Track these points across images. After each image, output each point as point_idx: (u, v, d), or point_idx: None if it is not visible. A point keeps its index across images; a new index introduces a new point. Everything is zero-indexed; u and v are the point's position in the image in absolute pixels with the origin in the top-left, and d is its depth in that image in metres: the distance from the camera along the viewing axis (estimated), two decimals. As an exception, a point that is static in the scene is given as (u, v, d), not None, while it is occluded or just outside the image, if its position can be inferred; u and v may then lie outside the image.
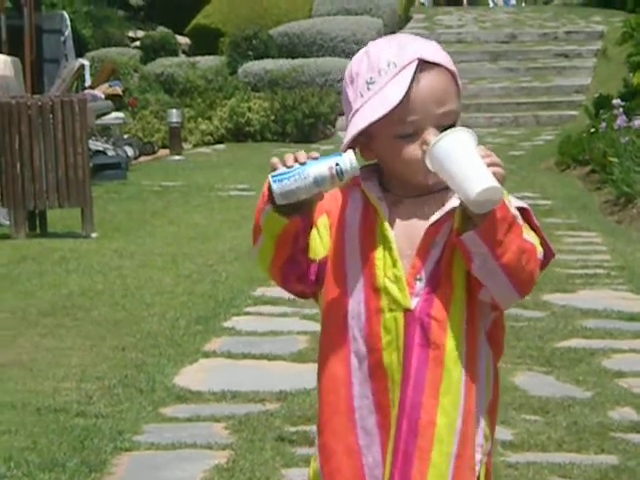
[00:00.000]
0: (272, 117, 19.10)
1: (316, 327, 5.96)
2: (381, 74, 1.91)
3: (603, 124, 14.70)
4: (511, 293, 1.92)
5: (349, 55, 21.35)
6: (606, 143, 13.38)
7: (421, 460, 1.91)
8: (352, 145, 1.93)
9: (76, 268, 7.74)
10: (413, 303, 1.93)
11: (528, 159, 16.55)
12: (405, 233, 1.95)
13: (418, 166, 1.90)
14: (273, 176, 1.86)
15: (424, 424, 1.91)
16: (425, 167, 1.88)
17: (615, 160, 12.16)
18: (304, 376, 4.98)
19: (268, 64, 20.91)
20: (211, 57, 21.70)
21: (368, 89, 1.92)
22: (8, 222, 9.51)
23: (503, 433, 4.16)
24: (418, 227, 1.95)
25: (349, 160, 1.85)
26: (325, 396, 1.98)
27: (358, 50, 1.96)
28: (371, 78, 1.91)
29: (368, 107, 1.91)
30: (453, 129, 1.87)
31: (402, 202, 1.96)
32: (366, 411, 1.94)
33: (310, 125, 19.30)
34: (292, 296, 6.65)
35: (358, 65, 1.95)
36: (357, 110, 1.93)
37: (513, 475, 3.83)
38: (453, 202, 1.91)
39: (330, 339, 1.99)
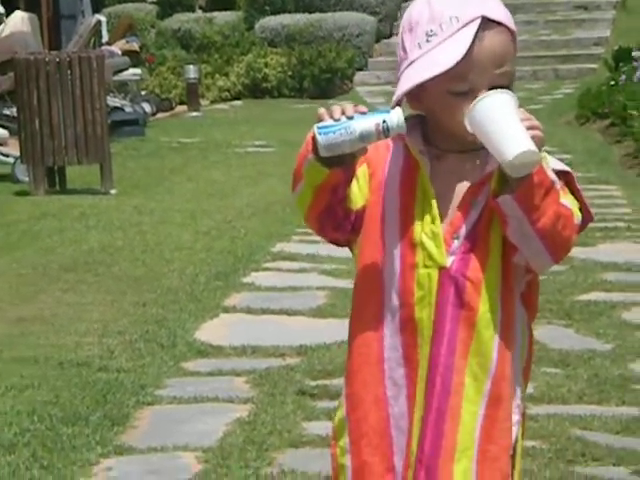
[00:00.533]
0: (289, 73, 19.02)
1: (335, 282, 5.97)
2: (442, 28, 1.87)
3: (623, 77, 14.60)
4: (545, 258, 1.91)
5: (367, 9, 21.23)
6: (626, 96, 13.28)
7: (452, 417, 1.92)
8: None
9: (96, 224, 7.77)
10: (449, 261, 1.92)
11: (547, 113, 16.44)
12: (445, 189, 1.94)
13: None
14: (319, 127, 1.83)
15: (455, 384, 1.92)
16: None
17: (635, 112, 12.07)
18: (323, 331, 5.00)
19: (285, 19, 20.79)
20: (228, 12, 21.58)
21: (427, 41, 1.88)
22: (27, 179, 9.53)
23: (523, 386, 4.16)
24: (459, 184, 1.93)
25: (397, 118, 1.82)
26: (356, 346, 1.99)
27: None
28: (432, 30, 1.88)
29: (426, 61, 1.88)
30: (493, 91, 1.84)
31: (444, 157, 1.94)
32: (395, 363, 1.95)
33: (327, 80, 19.22)
34: (311, 252, 6.64)
35: (419, 14, 1.91)
36: (413, 61, 1.90)
37: (534, 427, 3.84)
38: (495, 162, 1.89)
39: (363, 290, 1.99)
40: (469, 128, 1.85)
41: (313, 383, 4.34)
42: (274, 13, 21.09)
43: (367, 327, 1.98)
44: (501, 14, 1.91)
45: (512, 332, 1.96)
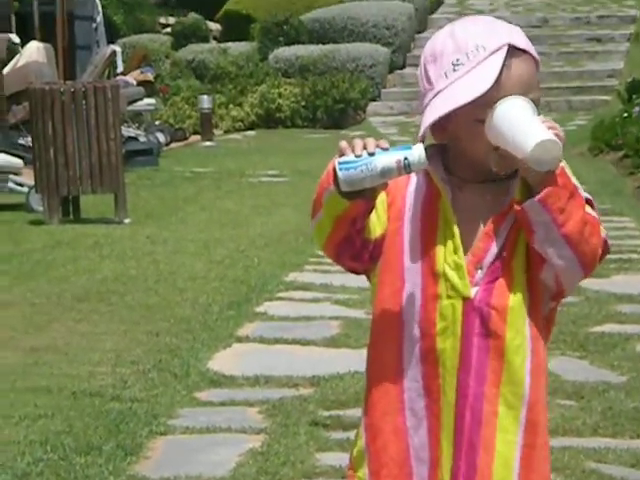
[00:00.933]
0: (302, 103, 19.09)
1: (348, 312, 5.97)
2: (469, 57, 1.87)
3: (636, 108, 14.61)
4: (575, 268, 1.90)
5: (380, 40, 21.31)
6: (639, 127, 13.29)
7: (486, 449, 1.90)
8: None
9: (109, 254, 7.78)
10: (472, 292, 1.91)
11: (560, 144, 16.46)
12: (467, 219, 1.93)
13: (495, 159, 1.88)
14: (340, 163, 1.82)
15: (487, 414, 1.90)
16: (496, 156, 1.87)
17: (649, 145, 12.07)
18: (337, 361, 4.99)
19: (299, 50, 20.88)
20: (242, 43, 21.70)
21: (454, 70, 1.88)
22: (42, 208, 9.57)
23: (537, 418, 4.14)
24: (481, 214, 1.93)
25: (418, 154, 1.81)
26: (375, 377, 1.98)
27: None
28: (458, 60, 1.88)
29: (454, 90, 1.87)
30: (510, 96, 1.86)
31: (466, 186, 1.94)
32: (415, 394, 1.94)
33: (340, 111, 19.27)
34: (324, 281, 6.60)
35: (442, 45, 1.91)
36: (440, 91, 1.89)
37: (548, 460, 3.82)
38: (515, 192, 1.89)
39: (382, 320, 1.98)
40: (490, 137, 1.86)
41: (326, 413, 4.32)
42: (288, 44, 21.19)
43: (386, 357, 1.97)
44: (526, 43, 1.92)
45: (542, 357, 1.95)
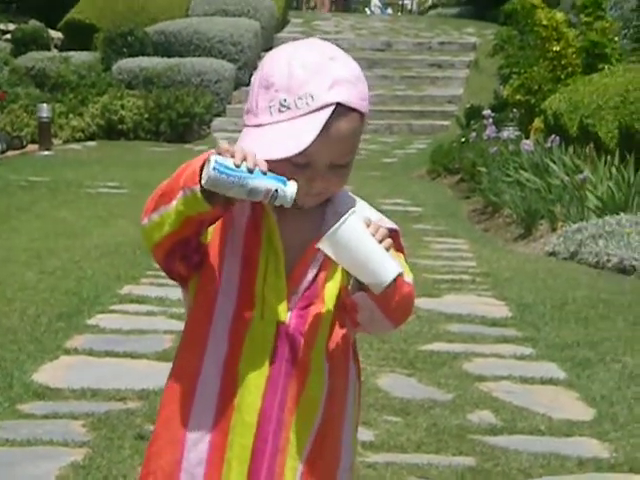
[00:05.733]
0: (146, 115, 18.91)
1: (182, 327, 5.89)
2: (297, 104, 1.84)
3: (473, 134, 14.99)
4: (389, 329, 1.95)
5: (225, 56, 21.31)
6: (475, 153, 13.63)
7: (279, 476, 1.89)
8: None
9: (-64, 261, 7.53)
10: (287, 317, 1.90)
11: (401, 167, 16.74)
12: (286, 243, 1.92)
13: (305, 193, 1.86)
14: (217, 162, 1.76)
15: (283, 440, 1.90)
16: (311, 193, 1.86)
17: (483, 170, 12.39)
18: (167, 375, 4.92)
19: (143, 62, 20.70)
20: (85, 52, 21.40)
21: (280, 111, 1.85)
22: None
23: (364, 434, 4.18)
24: (300, 240, 1.92)
25: (290, 193, 1.79)
26: (171, 380, 1.96)
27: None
28: (285, 101, 1.85)
29: (273, 134, 1.85)
30: (341, 220, 1.81)
31: (284, 212, 1.91)
32: (203, 408, 1.90)
33: (185, 125, 19.18)
34: (160, 294, 6.48)
35: (279, 75, 1.87)
36: (261, 125, 1.87)
37: (371, 475, 3.85)
38: (332, 220, 1.88)
39: (192, 327, 1.95)
40: (329, 253, 1.83)
41: (153, 427, 4.25)
42: (132, 55, 20.99)
43: (188, 364, 1.95)
44: (356, 98, 1.88)
45: (343, 385, 1.96)
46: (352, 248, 1.80)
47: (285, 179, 1.80)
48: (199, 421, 1.90)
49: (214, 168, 1.75)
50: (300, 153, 1.83)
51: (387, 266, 1.81)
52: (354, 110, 1.87)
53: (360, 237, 1.80)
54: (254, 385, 1.89)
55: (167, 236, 1.85)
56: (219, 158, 1.77)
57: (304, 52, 1.89)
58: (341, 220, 1.80)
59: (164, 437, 1.93)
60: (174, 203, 1.81)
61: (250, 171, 1.76)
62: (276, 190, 1.78)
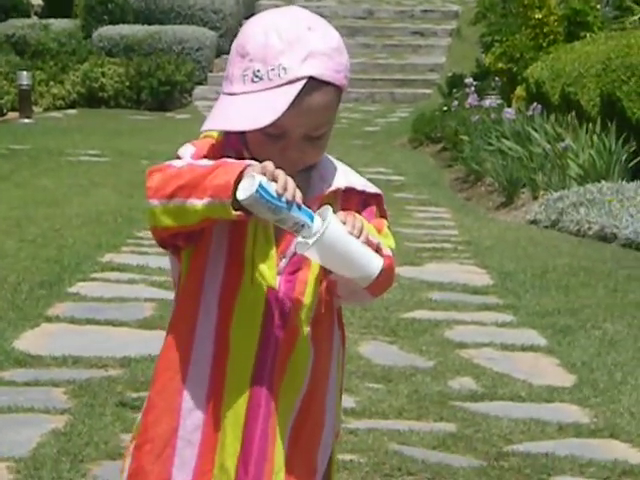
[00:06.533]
0: (127, 83, 18.82)
1: (164, 294, 5.89)
2: (270, 76, 1.83)
3: (455, 102, 14.97)
4: (370, 300, 1.96)
5: (207, 23, 21.20)
6: (457, 121, 13.62)
7: (272, 439, 1.90)
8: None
9: None
10: (276, 282, 1.90)
11: (383, 135, 16.72)
12: None
13: (279, 163, 1.82)
14: (261, 187, 1.74)
15: (274, 404, 1.90)
16: (285, 163, 1.84)
17: (466, 138, 12.38)
18: (149, 343, 4.92)
19: (124, 29, 20.58)
20: (65, 20, 21.25)
21: (252, 81, 1.84)
22: None
23: (346, 401, 4.16)
24: None
25: (315, 229, 1.79)
26: (165, 350, 1.95)
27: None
28: (259, 71, 1.84)
29: (244, 105, 1.83)
30: (324, 225, 1.80)
31: None
32: (198, 376, 1.91)
33: (166, 93, 19.10)
34: (141, 263, 6.45)
35: (254, 43, 1.85)
36: (234, 94, 1.86)
37: (353, 441, 3.86)
38: (318, 185, 1.89)
39: (184, 294, 1.94)
40: (313, 258, 1.83)
41: (135, 395, 4.26)
42: (113, 23, 20.86)
43: (180, 331, 1.94)
44: (331, 70, 1.86)
45: (329, 351, 1.96)
46: (336, 252, 1.80)
47: (312, 214, 1.79)
48: (194, 388, 1.91)
49: (257, 191, 1.74)
50: (272, 124, 1.82)
51: (371, 261, 1.83)
52: (328, 83, 1.85)
53: (342, 240, 1.80)
54: (246, 350, 1.89)
55: (179, 226, 1.85)
56: (264, 181, 1.75)
57: (282, 21, 1.86)
58: (323, 226, 1.80)
59: (160, 406, 1.93)
60: (197, 205, 1.80)
61: (288, 204, 1.76)
62: (302, 226, 1.78)
